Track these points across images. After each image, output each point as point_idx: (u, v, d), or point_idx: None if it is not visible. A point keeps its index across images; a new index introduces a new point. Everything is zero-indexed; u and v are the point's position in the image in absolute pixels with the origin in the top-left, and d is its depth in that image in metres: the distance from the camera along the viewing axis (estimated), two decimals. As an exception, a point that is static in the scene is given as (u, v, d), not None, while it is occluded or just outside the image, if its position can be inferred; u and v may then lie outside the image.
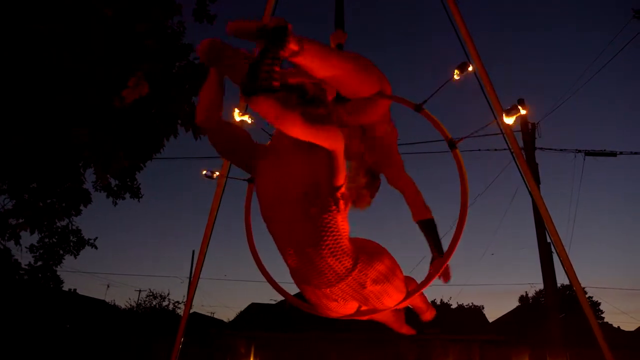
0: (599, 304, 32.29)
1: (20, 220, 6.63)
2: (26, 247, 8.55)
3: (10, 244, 7.69)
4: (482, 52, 4.24)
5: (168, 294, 29.97)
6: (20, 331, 15.58)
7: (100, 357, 17.99)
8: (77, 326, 19.62)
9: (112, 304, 27.63)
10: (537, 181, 12.49)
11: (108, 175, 6.15)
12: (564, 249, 4.21)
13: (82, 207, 7.61)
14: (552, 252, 11.03)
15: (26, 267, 9.25)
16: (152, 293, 28.24)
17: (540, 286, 22.60)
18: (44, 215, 6.80)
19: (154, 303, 28.00)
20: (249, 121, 2.72)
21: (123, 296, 64.78)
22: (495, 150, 12.75)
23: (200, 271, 4.46)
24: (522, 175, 4.24)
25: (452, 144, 2.48)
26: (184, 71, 6.24)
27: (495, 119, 4.34)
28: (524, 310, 27.77)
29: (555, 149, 13.25)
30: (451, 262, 2.46)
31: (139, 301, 28.44)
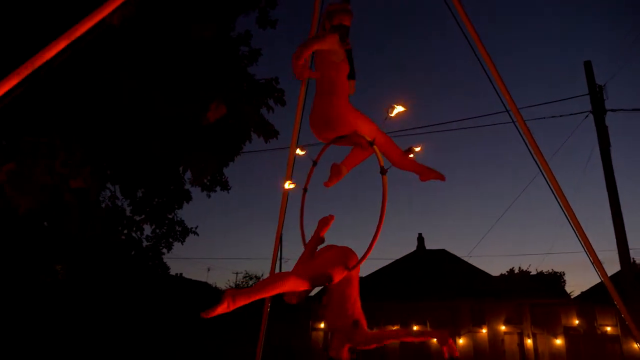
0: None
1: (142, 216, 8.43)
2: (143, 237, 10.39)
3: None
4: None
5: (262, 275, 32.10)
6: (142, 314, 18.21)
7: (208, 334, 20.32)
8: (184, 307, 22.15)
9: (214, 286, 30.36)
10: (607, 144, 12.24)
11: (204, 178, 7.75)
12: (576, 218, 4.13)
13: (184, 203, 9.34)
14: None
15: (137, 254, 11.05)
16: (248, 274, 30.50)
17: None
18: (159, 211, 8.57)
19: (250, 284, 30.29)
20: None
21: (222, 278, 69.71)
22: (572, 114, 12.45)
23: (280, 251, 4.84)
24: (531, 152, 4.21)
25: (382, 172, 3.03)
26: (251, 89, 7.61)
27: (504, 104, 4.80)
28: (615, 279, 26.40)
29: (626, 109, 12.87)
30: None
31: (237, 282, 30.97)
